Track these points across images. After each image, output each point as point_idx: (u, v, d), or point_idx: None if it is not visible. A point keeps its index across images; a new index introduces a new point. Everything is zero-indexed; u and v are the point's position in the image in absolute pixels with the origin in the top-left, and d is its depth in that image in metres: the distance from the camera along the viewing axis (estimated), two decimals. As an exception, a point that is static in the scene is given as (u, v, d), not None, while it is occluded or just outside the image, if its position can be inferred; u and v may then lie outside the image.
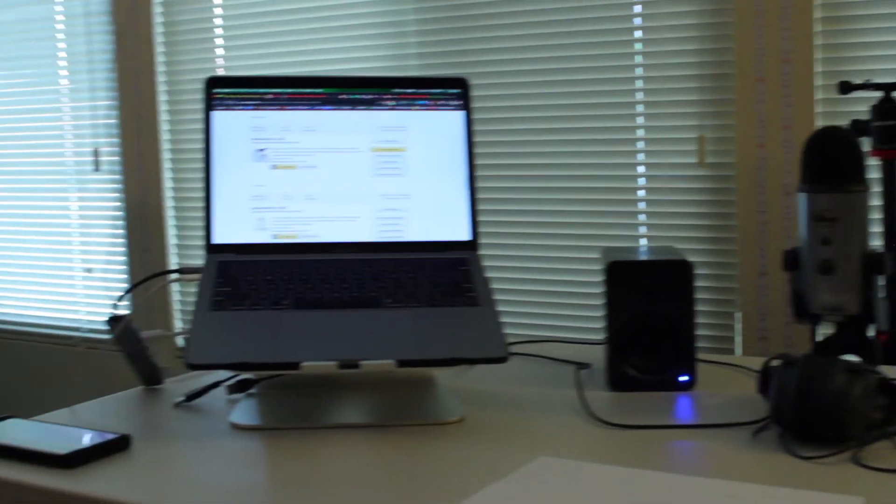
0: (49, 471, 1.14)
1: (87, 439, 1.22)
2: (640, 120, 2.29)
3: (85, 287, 3.16)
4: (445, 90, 1.53)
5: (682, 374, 1.46)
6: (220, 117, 1.50)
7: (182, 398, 1.44)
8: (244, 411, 1.36)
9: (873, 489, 1.01)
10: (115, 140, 3.02)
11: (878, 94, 1.82)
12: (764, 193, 2.13)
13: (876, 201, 1.88)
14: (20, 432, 1.26)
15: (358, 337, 1.29)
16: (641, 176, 2.28)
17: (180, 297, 2.99)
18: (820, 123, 2.08)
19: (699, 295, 2.21)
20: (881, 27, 2.06)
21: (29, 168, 3.24)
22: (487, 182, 2.45)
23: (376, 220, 1.49)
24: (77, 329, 3.19)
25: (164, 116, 2.93)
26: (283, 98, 1.51)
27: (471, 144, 1.52)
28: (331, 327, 1.30)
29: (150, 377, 1.55)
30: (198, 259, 2.93)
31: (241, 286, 1.39)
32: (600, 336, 2.33)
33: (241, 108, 1.50)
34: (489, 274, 2.47)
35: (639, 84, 2.28)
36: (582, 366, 1.62)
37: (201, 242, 2.91)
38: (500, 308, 2.44)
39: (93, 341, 3.17)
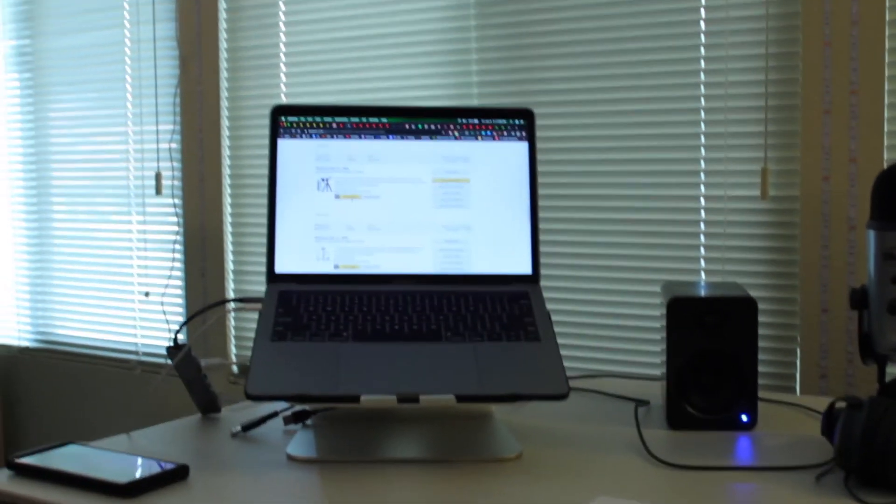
0: (108, 499, 1.15)
1: (146, 468, 1.22)
2: (703, 152, 2.27)
3: (142, 311, 3.19)
4: (510, 121, 1.53)
5: (743, 414, 1.44)
6: (285, 146, 1.50)
7: (239, 428, 1.44)
8: (301, 443, 1.36)
9: (943, 540, 0.98)
10: (177, 164, 3.05)
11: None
12: (827, 228, 2.10)
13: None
14: (79, 459, 1.27)
15: (418, 370, 1.28)
16: (703, 209, 2.26)
17: (235, 324, 3.00)
18: (887, 157, 2.05)
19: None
20: (950, 61, 2.03)
21: (92, 190, 3.27)
22: (546, 213, 2.44)
23: (438, 252, 1.49)
24: (135, 353, 3.22)
25: (225, 142, 2.95)
26: (349, 127, 1.51)
27: (534, 176, 1.51)
28: (390, 360, 1.30)
29: (208, 405, 1.55)
30: (254, 284, 2.94)
31: (301, 316, 1.39)
32: (659, 372, 2.31)
33: (306, 136, 1.51)
34: (548, 307, 2.45)
35: (702, 115, 2.26)
36: (641, 403, 1.60)
37: (258, 268, 2.92)
38: (559, 342, 2.42)
39: (149, 365, 3.18)
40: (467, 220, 1.50)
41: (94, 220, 3.28)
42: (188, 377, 1.51)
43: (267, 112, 2.88)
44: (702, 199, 2.27)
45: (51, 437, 3.45)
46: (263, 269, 2.92)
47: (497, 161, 1.52)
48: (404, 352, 1.32)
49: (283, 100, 2.84)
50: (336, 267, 1.48)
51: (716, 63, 2.24)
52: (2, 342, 3.55)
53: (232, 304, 1.55)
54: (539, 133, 2.44)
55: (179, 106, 3.03)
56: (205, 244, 3.00)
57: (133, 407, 3.23)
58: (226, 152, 2.96)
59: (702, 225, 2.27)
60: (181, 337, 3.02)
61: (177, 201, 3.05)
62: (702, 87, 2.26)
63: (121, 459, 1.26)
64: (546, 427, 1.46)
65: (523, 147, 1.52)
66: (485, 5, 2.51)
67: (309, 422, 1.46)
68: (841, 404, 1.21)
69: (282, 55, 2.84)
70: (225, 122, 2.95)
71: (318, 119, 1.52)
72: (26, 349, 3.51)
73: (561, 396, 1.25)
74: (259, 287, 2.92)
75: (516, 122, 1.53)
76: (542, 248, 2.44)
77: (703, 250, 2.27)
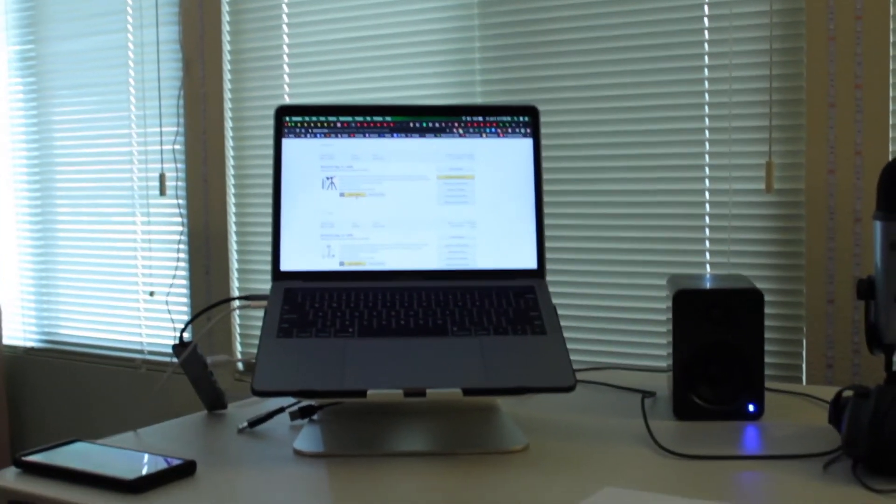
0: (116, 496, 1.15)
1: (154, 464, 1.22)
2: (707, 146, 2.27)
3: (147, 310, 3.19)
4: (514, 118, 1.53)
5: (750, 404, 1.44)
6: (290, 145, 1.51)
7: (245, 424, 1.44)
8: (307, 438, 1.36)
9: (951, 526, 0.98)
10: (181, 165, 3.05)
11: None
12: (833, 220, 2.10)
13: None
14: (86, 456, 1.27)
15: (424, 365, 1.28)
16: (708, 203, 2.26)
17: (240, 321, 3.01)
18: (893, 149, 2.05)
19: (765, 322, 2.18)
20: (954, 53, 2.03)
21: (96, 192, 3.28)
22: (551, 208, 2.44)
23: (443, 248, 1.49)
24: (140, 351, 3.22)
25: (229, 143, 2.96)
26: (353, 126, 1.51)
27: (539, 172, 1.52)
28: (397, 355, 1.30)
29: (215, 402, 1.56)
30: (257, 283, 2.94)
31: (307, 313, 1.39)
32: (666, 363, 2.31)
33: (310, 136, 1.51)
34: (554, 301, 2.45)
35: (706, 110, 2.26)
36: (647, 394, 1.60)
37: (262, 267, 2.93)
38: (566, 335, 2.42)
39: (154, 364, 3.19)
40: (472, 217, 1.50)
41: (99, 222, 3.28)
42: (194, 374, 1.51)
43: (270, 113, 2.89)
44: (707, 193, 2.27)
45: (57, 436, 3.46)
46: (267, 267, 2.92)
47: (502, 158, 1.52)
48: (410, 346, 1.32)
49: (287, 100, 2.84)
50: (341, 264, 1.48)
51: (720, 58, 2.24)
52: (8, 342, 3.56)
53: (238, 302, 1.55)
54: (543, 129, 2.44)
55: (183, 108, 3.04)
56: (209, 243, 3.00)
57: (139, 405, 3.24)
58: (229, 153, 2.96)
59: (707, 219, 2.27)
60: (187, 335, 3.02)
61: (181, 202, 3.06)
62: (706, 82, 2.26)
63: (128, 456, 1.26)
64: (552, 419, 1.46)
65: (528, 143, 1.53)
66: (487, 4, 2.51)
67: (315, 417, 1.46)
68: (848, 393, 1.21)
69: (285, 56, 2.85)
70: (228, 123, 2.96)
71: (322, 119, 1.52)
72: (32, 349, 3.51)
73: (567, 389, 1.25)
74: (262, 285, 2.93)
75: (521, 118, 1.53)
76: (548, 243, 2.44)
77: (708, 243, 2.27)
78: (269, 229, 2.90)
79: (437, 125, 1.52)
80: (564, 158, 2.42)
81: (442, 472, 1.22)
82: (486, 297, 1.43)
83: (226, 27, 2.95)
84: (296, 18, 2.82)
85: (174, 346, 1.48)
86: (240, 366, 2.96)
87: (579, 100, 2.40)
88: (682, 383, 1.44)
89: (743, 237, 2.23)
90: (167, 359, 3.15)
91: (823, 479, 1.15)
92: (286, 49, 2.84)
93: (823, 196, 2.11)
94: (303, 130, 1.51)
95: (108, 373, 3.30)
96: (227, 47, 2.95)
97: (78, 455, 1.27)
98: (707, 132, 2.27)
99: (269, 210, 2.91)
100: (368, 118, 1.52)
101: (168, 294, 3.12)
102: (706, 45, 2.25)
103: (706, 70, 2.26)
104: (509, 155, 1.52)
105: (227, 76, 2.95)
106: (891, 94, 2.05)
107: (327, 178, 1.50)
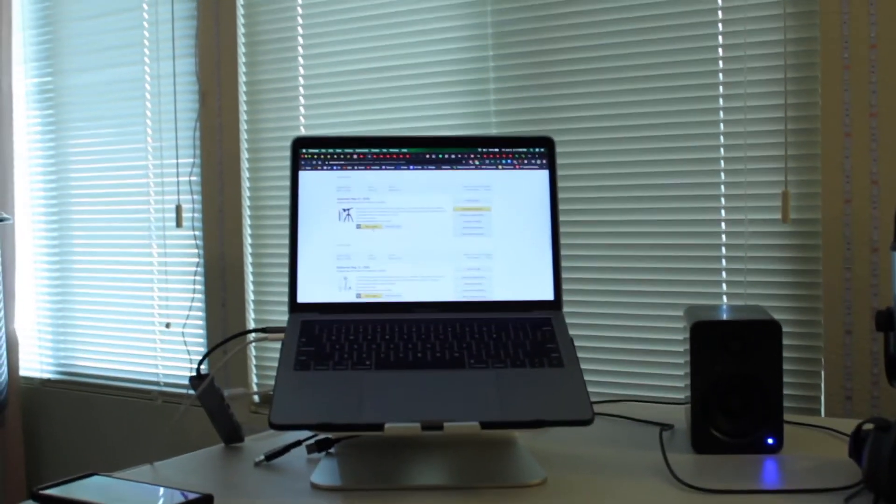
0: (134, 530, 1.15)
1: (171, 499, 1.22)
2: (723, 176, 2.26)
3: (163, 342, 3.19)
4: (530, 149, 1.53)
5: (769, 437, 1.43)
6: (306, 177, 1.51)
7: (262, 457, 1.44)
8: (324, 472, 1.36)
9: (975, 561, 0.97)
10: (197, 197, 3.06)
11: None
12: (850, 250, 2.10)
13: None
14: (104, 490, 1.26)
15: (441, 398, 1.28)
16: (724, 233, 2.26)
17: (256, 353, 3.01)
18: (907, 180, 2.05)
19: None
20: (970, 82, 2.02)
21: (113, 223, 3.29)
22: (567, 239, 2.44)
23: (460, 280, 1.49)
24: (156, 383, 3.22)
25: (245, 174, 2.97)
26: (369, 158, 1.52)
27: (555, 204, 1.51)
28: (414, 388, 1.30)
29: (232, 435, 1.55)
30: (274, 314, 2.95)
31: (324, 346, 1.39)
32: (683, 396, 2.30)
33: (327, 168, 1.51)
34: (571, 332, 2.45)
35: (722, 140, 2.26)
36: (665, 427, 1.59)
37: (278, 298, 2.93)
38: (582, 367, 2.42)
39: (171, 395, 3.19)
40: (489, 248, 1.50)
41: (116, 253, 3.29)
42: (211, 407, 1.51)
43: (285, 144, 2.90)
44: (723, 224, 2.27)
45: (74, 468, 3.45)
46: (283, 298, 2.92)
47: (518, 189, 1.52)
48: (428, 379, 1.32)
49: (302, 132, 2.85)
50: (358, 296, 1.48)
51: (735, 88, 2.24)
52: (25, 374, 3.56)
53: (255, 335, 1.55)
54: (559, 160, 2.45)
55: (199, 139, 3.05)
56: (225, 275, 3.00)
57: (155, 438, 3.24)
58: (245, 184, 2.97)
59: (723, 249, 2.26)
60: (204, 367, 3.03)
61: (197, 233, 3.06)
62: (721, 112, 2.26)
63: (145, 490, 1.26)
64: (570, 452, 1.45)
65: (544, 175, 1.53)
66: (502, 35, 2.51)
67: (332, 450, 1.46)
68: (868, 426, 1.20)
69: (300, 88, 2.86)
70: (244, 155, 2.97)
71: (338, 151, 1.52)
72: (49, 381, 3.52)
73: (585, 422, 1.24)
74: (278, 317, 2.93)
75: (537, 150, 1.53)
76: (565, 275, 2.44)
77: (724, 274, 2.27)
78: (285, 260, 2.90)
79: (452, 157, 1.52)
80: (580, 189, 2.42)
81: (460, 505, 1.21)
82: (502, 329, 1.42)
83: (241, 59, 2.96)
84: (311, 50, 2.83)
85: (191, 379, 1.47)
86: (256, 398, 2.96)
87: (594, 129, 2.40)
88: (700, 416, 1.43)
89: (759, 267, 2.22)
90: (183, 391, 3.15)
91: (844, 512, 1.15)
92: (301, 80, 2.85)
93: (840, 226, 2.11)
94: (319, 162, 1.52)
95: (125, 405, 3.30)
96: (242, 79, 2.96)
97: (96, 489, 1.27)
98: (723, 162, 2.26)
99: (285, 241, 2.91)
100: (384, 150, 1.52)
101: (184, 326, 3.12)
102: (721, 76, 2.26)
103: (721, 100, 2.26)
104: (525, 186, 1.52)
105: (242, 107, 2.97)
106: (907, 124, 2.04)
107: (344, 210, 1.50)
